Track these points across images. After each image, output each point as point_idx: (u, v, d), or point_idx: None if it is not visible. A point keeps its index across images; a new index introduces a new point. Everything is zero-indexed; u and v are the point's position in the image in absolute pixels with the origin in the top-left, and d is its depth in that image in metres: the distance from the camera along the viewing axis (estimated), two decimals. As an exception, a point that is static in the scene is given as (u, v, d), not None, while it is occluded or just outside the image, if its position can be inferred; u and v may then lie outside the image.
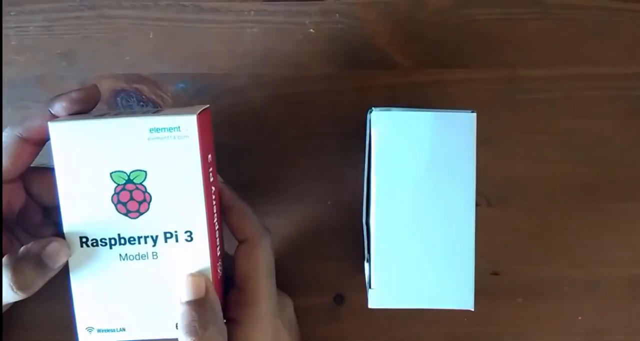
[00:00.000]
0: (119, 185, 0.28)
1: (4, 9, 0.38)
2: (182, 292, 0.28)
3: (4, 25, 0.38)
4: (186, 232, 0.28)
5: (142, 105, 0.38)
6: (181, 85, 0.38)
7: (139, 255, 0.28)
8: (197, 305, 0.28)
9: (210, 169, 0.29)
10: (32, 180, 0.32)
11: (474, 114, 0.31)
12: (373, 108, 0.31)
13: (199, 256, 0.29)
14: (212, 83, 0.38)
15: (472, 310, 0.31)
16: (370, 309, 0.31)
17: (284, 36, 0.38)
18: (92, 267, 0.29)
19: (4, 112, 0.38)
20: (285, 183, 0.39)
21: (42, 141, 0.30)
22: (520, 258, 0.39)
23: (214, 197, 0.30)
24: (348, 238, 0.38)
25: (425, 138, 0.31)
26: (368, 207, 0.32)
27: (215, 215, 0.30)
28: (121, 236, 0.28)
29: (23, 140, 0.30)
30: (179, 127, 0.27)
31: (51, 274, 0.28)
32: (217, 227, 0.30)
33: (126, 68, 0.38)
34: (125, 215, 0.28)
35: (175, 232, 0.28)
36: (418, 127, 0.31)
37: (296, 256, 0.39)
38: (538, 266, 0.39)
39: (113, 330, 0.29)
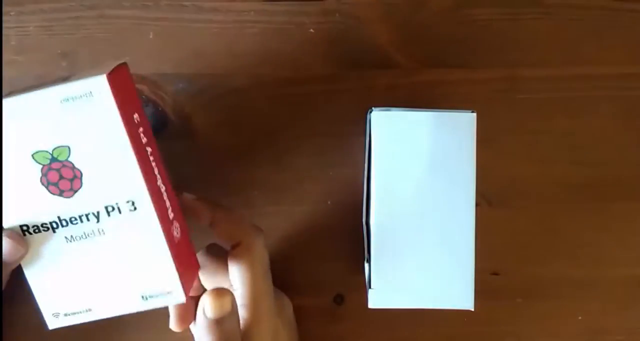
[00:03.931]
0: (44, 165, 0.26)
1: (4, 9, 0.38)
2: (208, 309, 0.28)
3: (4, 25, 0.38)
4: (128, 202, 0.27)
5: (143, 105, 0.38)
6: (181, 85, 0.38)
7: (84, 234, 0.27)
8: (224, 321, 0.28)
9: (141, 129, 0.28)
10: None
11: (474, 114, 0.31)
12: (373, 108, 0.31)
13: (147, 224, 0.27)
14: (212, 83, 0.38)
15: (472, 310, 0.31)
16: (370, 309, 0.31)
17: (284, 36, 0.38)
18: (41, 254, 0.27)
19: (4, 112, 0.38)
20: (285, 183, 0.39)
21: None
22: (520, 258, 0.39)
23: (152, 158, 0.28)
24: (348, 238, 0.38)
25: (425, 138, 0.31)
26: (368, 207, 0.32)
27: (159, 176, 0.28)
28: (61, 218, 0.27)
29: None
30: (90, 91, 0.25)
31: (8, 268, 0.27)
32: (163, 189, 0.29)
33: (126, 68, 0.38)
34: (60, 195, 0.27)
35: (117, 203, 0.27)
36: (418, 127, 0.31)
37: (296, 256, 0.39)
38: (538, 266, 0.39)
39: (79, 312, 0.28)
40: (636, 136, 0.39)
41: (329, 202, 0.39)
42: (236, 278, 0.31)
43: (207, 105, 0.38)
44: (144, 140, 0.28)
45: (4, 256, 0.27)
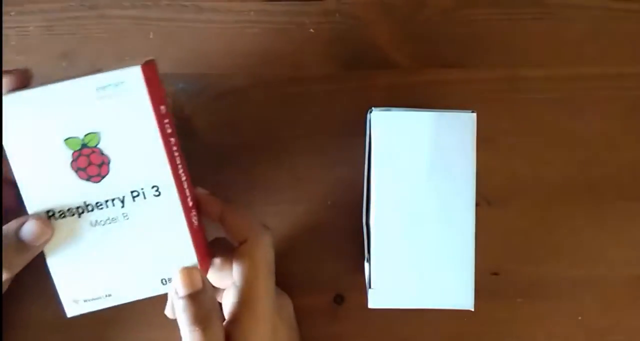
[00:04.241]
0: (74, 151, 0.27)
1: (4, 9, 0.38)
2: (179, 287, 0.28)
3: (4, 25, 0.38)
4: (153, 187, 0.28)
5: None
6: (181, 85, 0.38)
7: (109, 219, 0.28)
8: (197, 297, 0.28)
9: (166, 120, 0.29)
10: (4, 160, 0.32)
11: (474, 114, 0.31)
12: (373, 108, 0.31)
13: (170, 209, 0.28)
14: (212, 83, 0.38)
15: (472, 310, 0.31)
16: (370, 309, 0.31)
17: (284, 36, 0.38)
18: (65, 239, 0.28)
19: (4, 112, 0.38)
20: (285, 183, 0.39)
21: None
22: (520, 258, 0.39)
23: (175, 148, 0.29)
24: (348, 238, 0.38)
25: (425, 138, 0.31)
26: (368, 207, 0.32)
27: (180, 166, 0.30)
28: (87, 203, 0.28)
29: None
30: (124, 81, 0.27)
31: (33, 252, 0.28)
32: (184, 178, 0.30)
33: (126, 68, 0.38)
34: (88, 180, 0.28)
35: (142, 189, 0.28)
36: (418, 127, 0.31)
37: (296, 256, 0.39)
38: (538, 266, 0.39)
39: (99, 298, 0.29)
40: (636, 136, 0.39)
41: (329, 202, 0.39)
42: (238, 275, 0.31)
43: (207, 105, 0.38)
44: (169, 130, 0.29)
45: (30, 240, 0.27)
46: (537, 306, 0.39)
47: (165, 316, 0.32)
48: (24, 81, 0.30)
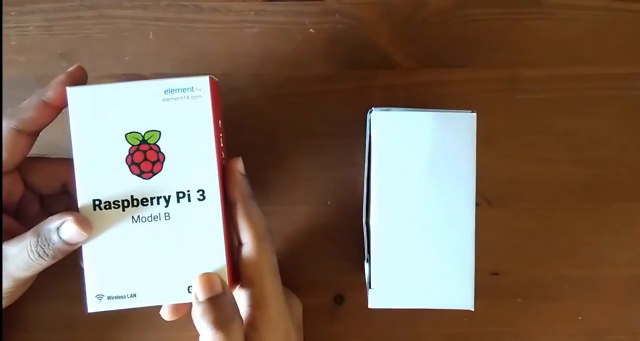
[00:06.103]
0: (133, 145, 0.29)
1: (4, 9, 0.38)
2: (198, 291, 0.28)
3: (4, 25, 0.38)
4: (198, 191, 0.29)
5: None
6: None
7: (151, 216, 0.29)
8: (218, 301, 0.28)
9: (221, 135, 0.30)
10: (29, 170, 0.32)
11: (474, 114, 0.31)
12: (373, 108, 0.31)
13: (211, 215, 0.29)
14: (212, 83, 0.38)
15: (472, 310, 0.31)
16: (370, 309, 0.31)
17: (284, 36, 0.38)
18: (104, 231, 0.29)
19: (4, 112, 0.38)
20: (285, 183, 0.39)
21: (36, 132, 0.31)
22: (520, 258, 0.39)
23: (223, 163, 0.30)
24: (348, 238, 0.38)
25: (425, 138, 0.31)
26: (368, 207, 0.32)
27: (224, 181, 0.30)
28: (134, 197, 0.29)
29: (18, 132, 0.30)
30: (192, 87, 0.29)
31: (70, 248, 0.29)
32: (224, 194, 0.30)
33: (126, 68, 0.38)
34: (139, 175, 0.29)
35: (188, 191, 0.29)
36: (418, 127, 0.31)
37: (296, 256, 0.39)
38: (538, 266, 0.39)
39: (123, 297, 0.29)
40: (636, 136, 0.39)
41: (329, 202, 0.39)
42: (245, 279, 0.31)
43: (207, 105, 0.38)
44: (221, 144, 0.30)
45: (68, 239, 0.28)
46: (537, 306, 0.39)
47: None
48: (82, 78, 0.31)
